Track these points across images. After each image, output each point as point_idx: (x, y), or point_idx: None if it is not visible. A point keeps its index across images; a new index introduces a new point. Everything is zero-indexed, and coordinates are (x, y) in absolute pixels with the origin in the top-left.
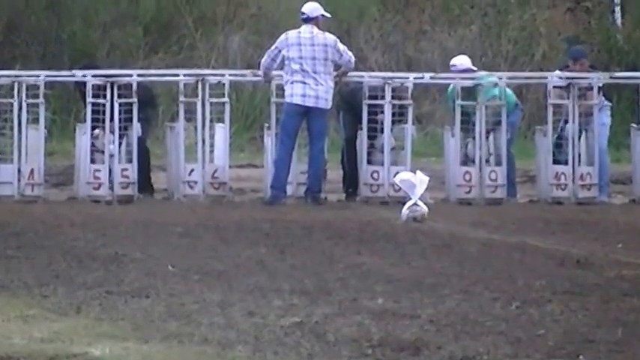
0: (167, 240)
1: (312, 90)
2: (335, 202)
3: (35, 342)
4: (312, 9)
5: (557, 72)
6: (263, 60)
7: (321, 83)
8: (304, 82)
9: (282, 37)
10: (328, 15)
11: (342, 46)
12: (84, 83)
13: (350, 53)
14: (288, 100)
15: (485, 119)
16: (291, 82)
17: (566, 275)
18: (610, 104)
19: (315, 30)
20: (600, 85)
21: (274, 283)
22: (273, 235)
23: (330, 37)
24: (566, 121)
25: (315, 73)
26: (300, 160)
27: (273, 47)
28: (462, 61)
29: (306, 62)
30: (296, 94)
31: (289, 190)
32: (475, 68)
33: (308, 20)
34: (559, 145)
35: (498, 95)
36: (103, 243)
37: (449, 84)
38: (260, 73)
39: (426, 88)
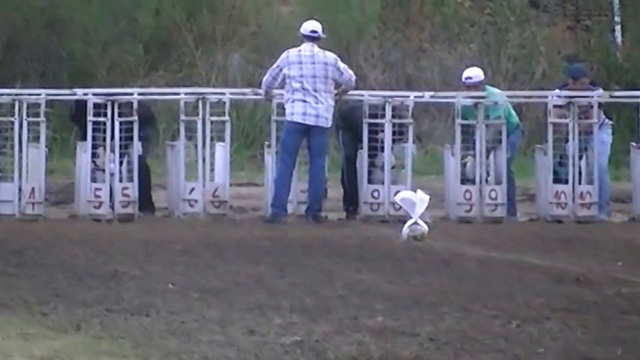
0: (167, 258)
1: (313, 109)
2: (335, 220)
3: None
4: (313, 27)
5: (557, 91)
6: (264, 78)
7: (321, 102)
8: (305, 101)
9: (283, 55)
10: (324, 35)
11: (342, 65)
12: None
13: (350, 72)
14: (288, 118)
15: (486, 138)
16: (292, 101)
17: (565, 293)
18: (611, 122)
19: (316, 48)
20: (601, 103)
21: (274, 301)
22: (273, 253)
23: (331, 56)
24: (567, 140)
25: (315, 91)
26: (301, 179)
27: (274, 66)
28: (475, 73)
29: (307, 80)
30: (297, 112)
31: (290, 208)
32: (484, 80)
33: (309, 38)
34: (563, 164)
35: (502, 115)
36: (103, 261)
37: (450, 102)
38: (261, 91)
39: (426, 106)
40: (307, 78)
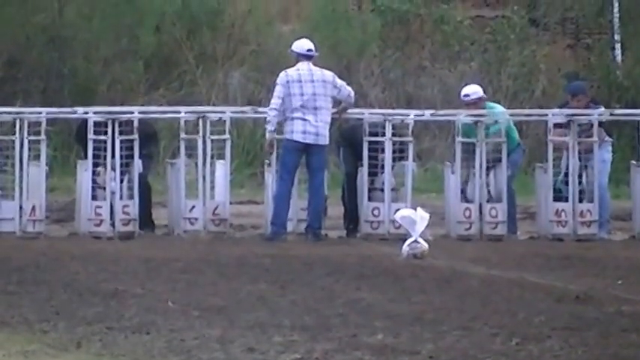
0: (167, 276)
1: (312, 127)
2: (335, 238)
3: None
4: (309, 46)
5: (556, 111)
6: (272, 105)
7: (321, 119)
8: (304, 119)
9: (282, 75)
10: (317, 53)
11: (339, 81)
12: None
13: (349, 88)
14: (288, 136)
15: (487, 156)
16: (291, 119)
17: (566, 311)
18: (611, 140)
19: (312, 66)
20: (603, 121)
21: (274, 319)
22: (273, 271)
23: (328, 73)
24: (567, 158)
25: (315, 109)
26: (301, 197)
27: (277, 89)
28: (474, 89)
29: (308, 98)
30: (296, 130)
31: (290, 226)
32: (486, 96)
33: (305, 57)
34: (566, 182)
35: (502, 130)
36: (104, 279)
37: (451, 120)
38: (270, 118)
39: (427, 124)
40: (308, 96)
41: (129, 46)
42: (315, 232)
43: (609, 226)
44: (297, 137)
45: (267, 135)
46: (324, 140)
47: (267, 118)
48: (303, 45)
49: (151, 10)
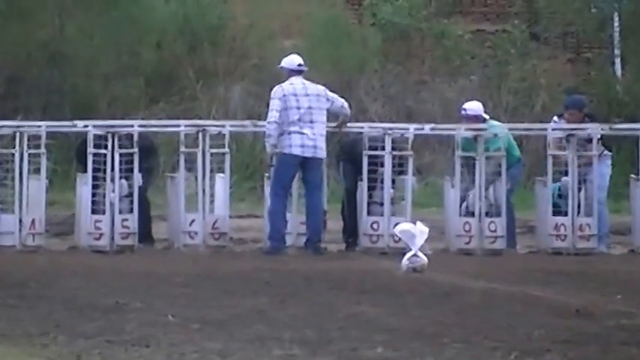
0: (167, 290)
1: (310, 140)
2: (335, 252)
3: None
4: (300, 61)
5: (555, 118)
6: (271, 119)
7: (317, 132)
8: (302, 133)
9: (278, 89)
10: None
11: (330, 94)
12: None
13: (342, 100)
14: (286, 150)
15: (486, 170)
16: (288, 133)
17: (566, 325)
18: (610, 154)
19: (305, 80)
20: (600, 136)
21: (274, 333)
22: (273, 285)
23: (320, 87)
24: (566, 173)
25: (312, 122)
26: (300, 211)
27: (274, 102)
28: (472, 106)
29: (304, 112)
30: (295, 144)
31: (289, 239)
32: (487, 116)
33: (297, 72)
34: (563, 196)
35: (502, 147)
36: (104, 292)
37: (450, 135)
38: (270, 132)
39: (427, 138)
40: (304, 109)
41: (129, 63)
42: (315, 246)
43: (608, 240)
44: (296, 151)
45: (269, 149)
46: (322, 153)
47: (267, 132)
48: (293, 60)
49: (151, 26)
